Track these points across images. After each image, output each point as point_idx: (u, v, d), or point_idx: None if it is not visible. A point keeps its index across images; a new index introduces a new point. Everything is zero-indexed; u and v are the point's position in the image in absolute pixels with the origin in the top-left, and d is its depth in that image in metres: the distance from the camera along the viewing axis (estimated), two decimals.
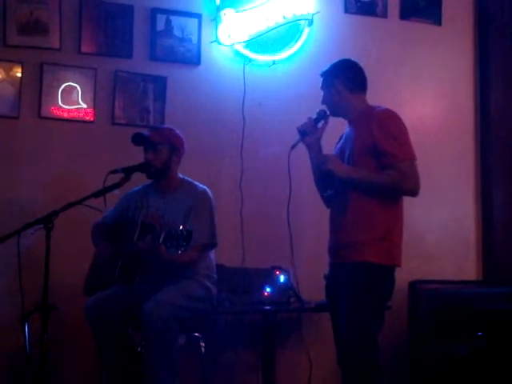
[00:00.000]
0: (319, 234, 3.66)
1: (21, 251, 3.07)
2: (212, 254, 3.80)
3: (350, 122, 3.32)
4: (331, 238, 3.29)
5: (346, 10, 4.92)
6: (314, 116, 3.34)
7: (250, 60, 4.64)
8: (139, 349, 3.59)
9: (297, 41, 4.71)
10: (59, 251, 3.26)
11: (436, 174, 4.75)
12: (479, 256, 5.10)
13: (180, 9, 4.56)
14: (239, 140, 4.56)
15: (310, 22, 4.67)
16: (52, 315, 2.94)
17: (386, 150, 3.08)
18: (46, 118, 4.27)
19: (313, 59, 4.61)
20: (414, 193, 3.14)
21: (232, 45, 4.58)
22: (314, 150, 3.32)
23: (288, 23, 4.60)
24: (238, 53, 4.62)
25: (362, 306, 3.06)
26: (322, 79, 3.35)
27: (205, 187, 3.80)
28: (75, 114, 4.31)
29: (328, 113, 3.34)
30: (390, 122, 3.15)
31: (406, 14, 5.06)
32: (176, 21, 4.54)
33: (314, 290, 4.06)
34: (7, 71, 4.20)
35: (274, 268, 4.21)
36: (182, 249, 3.24)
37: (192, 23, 4.57)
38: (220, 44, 4.57)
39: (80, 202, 3.21)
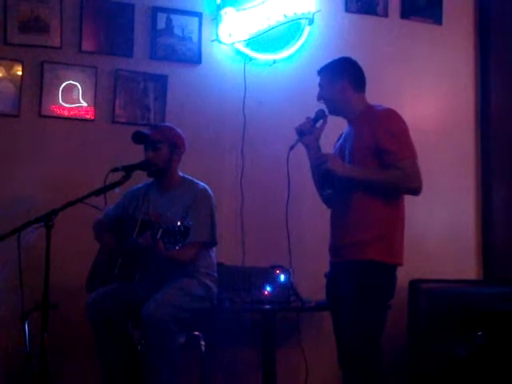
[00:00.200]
0: (320, 233, 3.66)
1: (21, 249, 3.06)
2: (212, 253, 3.80)
3: (350, 121, 3.31)
4: (332, 237, 3.29)
5: (347, 9, 4.92)
6: (313, 116, 3.33)
7: (251, 59, 4.64)
8: (139, 347, 3.59)
9: (297, 40, 4.71)
10: (59, 249, 3.27)
11: (436, 174, 4.75)
12: (479, 255, 5.10)
13: (181, 7, 4.56)
14: (240, 138, 4.56)
15: (311, 21, 4.67)
16: (52, 313, 2.94)
17: (389, 148, 3.08)
18: (47, 116, 4.27)
19: (313, 58, 4.60)
20: (416, 191, 3.14)
21: (233, 43, 4.58)
22: (313, 149, 3.31)
23: (289, 22, 4.60)
24: (238, 52, 4.62)
25: (365, 304, 3.06)
26: (321, 76, 3.33)
27: (205, 185, 3.80)
28: (76, 113, 4.32)
29: (327, 112, 3.33)
30: (392, 122, 3.15)
31: (406, 13, 5.06)
32: (177, 19, 4.54)
33: (314, 289, 4.06)
34: (8, 69, 4.20)
35: (275, 267, 4.21)
36: (180, 245, 3.23)
37: (193, 22, 4.57)
38: (221, 43, 4.57)
39: (80, 200, 3.21)
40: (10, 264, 3.38)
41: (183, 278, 3.63)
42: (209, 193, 3.76)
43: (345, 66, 3.32)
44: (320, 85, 3.33)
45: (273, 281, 4.18)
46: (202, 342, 3.74)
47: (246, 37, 4.55)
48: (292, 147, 3.32)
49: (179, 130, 3.84)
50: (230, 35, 4.54)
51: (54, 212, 3.02)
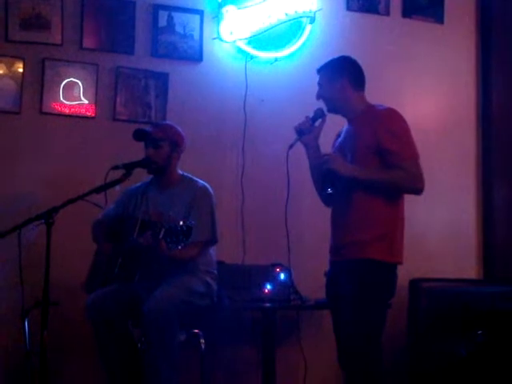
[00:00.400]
0: (319, 231, 3.66)
1: (21, 247, 3.06)
2: (212, 250, 3.80)
3: (350, 120, 3.30)
4: (333, 236, 3.29)
5: (348, 8, 4.91)
6: (311, 115, 3.33)
7: (252, 57, 4.64)
8: (139, 345, 3.59)
9: (299, 38, 4.71)
10: (60, 247, 3.27)
11: (437, 173, 4.74)
12: (480, 255, 5.09)
13: (182, 5, 4.56)
14: (241, 137, 4.56)
15: (312, 20, 4.67)
16: (52, 311, 2.94)
17: (391, 149, 3.08)
18: (48, 113, 4.27)
19: (315, 56, 4.59)
20: (419, 191, 3.14)
21: (234, 41, 4.57)
22: (312, 148, 3.31)
23: (290, 20, 4.60)
24: (239, 50, 4.62)
25: (366, 303, 3.06)
26: (320, 74, 3.33)
27: (205, 183, 3.80)
28: (77, 110, 4.31)
29: (325, 111, 3.33)
30: (393, 122, 3.15)
31: (408, 11, 5.06)
32: (178, 17, 4.54)
33: (313, 287, 4.05)
34: (9, 67, 4.20)
35: (275, 265, 4.21)
36: (182, 244, 3.23)
37: (194, 20, 4.56)
38: (222, 41, 4.57)
39: (81, 197, 3.20)
40: (10, 261, 3.37)
41: (183, 275, 3.63)
42: (209, 191, 3.76)
43: (344, 64, 3.32)
44: (319, 83, 3.32)
45: (273, 279, 4.18)
46: (202, 340, 3.74)
47: (248, 35, 4.55)
48: (291, 146, 3.32)
49: (180, 129, 3.83)
50: (231, 33, 4.53)
51: (55, 209, 3.02)
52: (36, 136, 4.25)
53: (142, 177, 3.82)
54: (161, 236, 3.28)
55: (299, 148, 3.34)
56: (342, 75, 3.26)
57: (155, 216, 3.64)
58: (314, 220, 4.34)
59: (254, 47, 4.63)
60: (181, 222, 3.23)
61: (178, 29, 4.54)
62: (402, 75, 4.99)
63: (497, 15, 5.16)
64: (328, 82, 3.29)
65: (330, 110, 3.33)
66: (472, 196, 5.12)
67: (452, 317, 4.35)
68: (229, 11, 4.52)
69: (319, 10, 4.68)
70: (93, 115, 4.35)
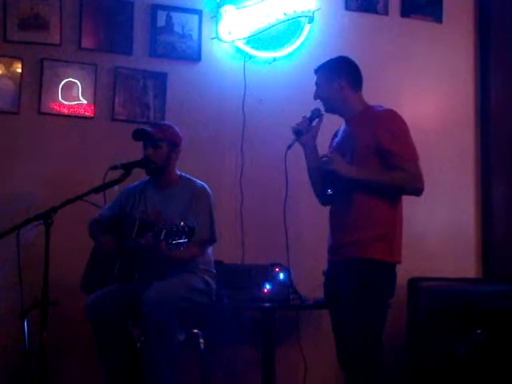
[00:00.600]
0: (318, 231, 3.67)
1: (20, 247, 3.07)
2: (209, 249, 3.80)
3: (347, 120, 3.30)
4: (332, 235, 3.29)
5: (347, 7, 4.91)
6: (309, 115, 3.33)
7: (251, 57, 4.64)
8: (139, 345, 3.59)
9: (297, 38, 4.71)
10: (59, 247, 3.26)
11: (436, 172, 4.74)
12: (479, 254, 5.09)
13: (180, 5, 4.56)
14: (239, 137, 4.55)
15: (311, 19, 4.66)
16: (51, 311, 2.93)
17: (391, 150, 3.08)
18: (46, 113, 4.27)
19: (313, 56, 4.59)
20: (419, 192, 3.15)
21: (232, 41, 4.57)
22: (310, 148, 3.31)
23: (288, 20, 4.60)
24: (238, 49, 4.62)
25: (365, 303, 3.06)
26: (318, 74, 3.32)
27: (203, 183, 3.80)
28: (75, 110, 4.31)
29: (322, 111, 3.33)
30: (392, 122, 3.15)
31: (406, 11, 5.06)
32: (176, 17, 4.53)
33: (312, 286, 4.05)
34: (7, 67, 4.20)
35: (274, 265, 4.21)
36: (184, 245, 3.23)
37: (192, 20, 4.56)
38: (220, 40, 4.57)
39: (80, 197, 3.19)
40: (9, 261, 3.38)
41: (183, 273, 3.63)
42: (207, 191, 3.76)
43: (342, 64, 3.32)
44: (317, 83, 3.32)
45: (272, 279, 4.18)
46: (202, 340, 3.74)
47: (246, 35, 4.55)
48: (289, 147, 3.32)
49: (177, 128, 3.83)
50: (229, 33, 4.53)
51: (54, 209, 3.01)
52: (35, 136, 4.25)
53: (140, 177, 3.82)
54: (162, 237, 3.29)
55: (297, 148, 3.34)
56: (340, 75, 3.26)
57: (153, 215, 3.65)
58: (313, 219, 4.34)
59: (253, 47, 4.63)
60: (182, 223, 3.24)
61: (177, 29, 4.54)
62: (400, 75, 4.99)
63: (495, 14, 5.17)
64: (326, 82, 3.29)
65: (327, 110, 3.33)
66: (471, 194, 5.12)
67: (451, 316, 4.36)
68: (227, 11, 4.52)
69: (318, 10, 4.68)
70: (91, 115, 4.35)
